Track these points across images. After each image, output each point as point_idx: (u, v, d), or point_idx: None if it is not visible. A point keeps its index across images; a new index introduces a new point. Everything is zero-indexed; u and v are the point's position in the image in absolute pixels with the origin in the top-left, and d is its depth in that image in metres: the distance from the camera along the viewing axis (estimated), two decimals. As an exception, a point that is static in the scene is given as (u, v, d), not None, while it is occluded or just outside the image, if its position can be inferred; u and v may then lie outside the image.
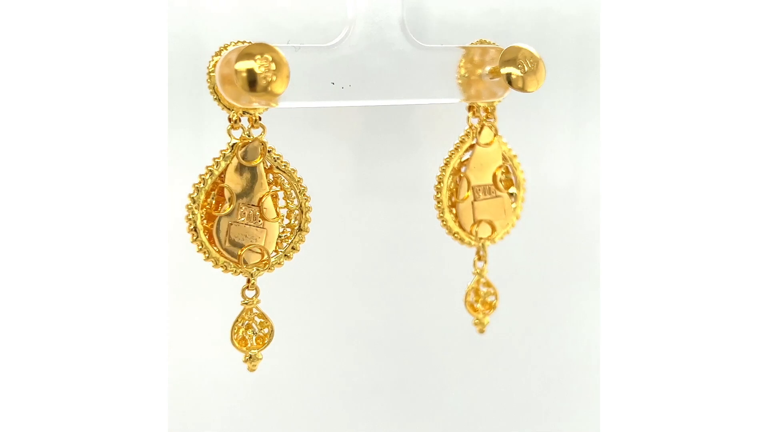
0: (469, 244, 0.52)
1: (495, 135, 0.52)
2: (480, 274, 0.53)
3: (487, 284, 0.53)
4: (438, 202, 0.51)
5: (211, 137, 0.50)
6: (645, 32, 0.46)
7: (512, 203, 0.53)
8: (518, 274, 0.55)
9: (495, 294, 0.53)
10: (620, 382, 0.48)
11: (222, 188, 0.45)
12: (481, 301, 0.53)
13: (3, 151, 0.38)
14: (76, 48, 0.39)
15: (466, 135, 0.51)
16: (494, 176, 0.52)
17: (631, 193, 0.48)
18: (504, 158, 0.52)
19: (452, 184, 0.51)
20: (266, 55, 0.41)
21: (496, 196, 0.52)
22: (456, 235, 0.52)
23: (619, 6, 0.48)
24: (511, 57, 0.47)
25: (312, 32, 0.51)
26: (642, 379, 0.48)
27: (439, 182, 0.51)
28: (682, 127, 0.45)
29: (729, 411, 0.45)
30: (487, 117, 0.51)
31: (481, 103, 0.51)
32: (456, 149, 0.51)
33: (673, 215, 0.46)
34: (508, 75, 0.47)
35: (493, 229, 0.52)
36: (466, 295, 0.53)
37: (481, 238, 0.52)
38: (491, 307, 0.53)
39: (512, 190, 0.53)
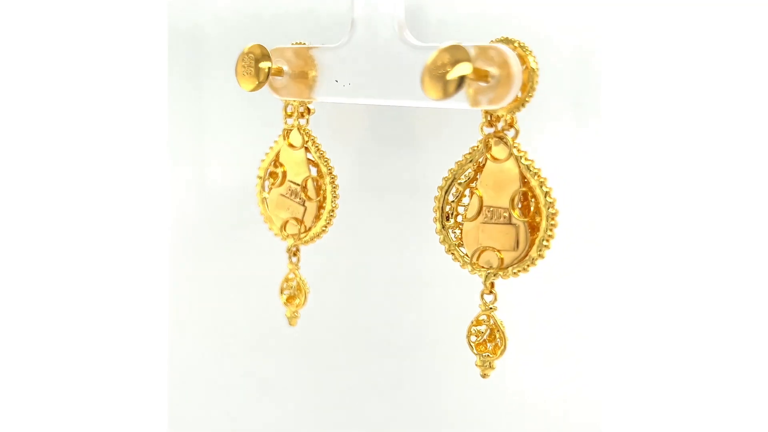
0: (470, 271, 0.45)
1: (510, 151, 0.43)
2: (488, 310, 0.45)
3: (496, 325, 0.45)
4: (435, 215, 0.46)
5: (210, 127, 0.58)
6: (645, 36, 0.44)
7: (535, 236, 0.43)
8: (517, 278, 0.45)
9: (502, 338, 0.45)
10: (621, 383, 0.47)
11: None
12: (494, 342, 0.45)
13: (5, 142, 0.49)
14: (76, 43, 0.50)
15: (476, 147, 0.44)
16: (512, 200, 0.43)
17: (631, 202, 0.47)
18: (524, 180, 0.43)
19: (461, 200, 0.45)
20: (249, 54, 0.49)
21: (509, 224, 0.43)
22: (454, 257, 0.45)
23: (620, 7, 0.45)
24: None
25: (313, 26, 0.52)
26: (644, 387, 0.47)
27: (440, 192, 0.46)
28: (683, 137, 0.44)
29: (730, 412, 0.45)
30: (504, 129, 0.43)
31: (498, 111, 0.43)
32: (465, 161, 0.45)
33: (674, 222, 0.45)
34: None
35: (501, 260, 0.44)
36: (470, 332, 0.46)
37: (483, 267, 0.44)
38: (500, 351, 0.45)
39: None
